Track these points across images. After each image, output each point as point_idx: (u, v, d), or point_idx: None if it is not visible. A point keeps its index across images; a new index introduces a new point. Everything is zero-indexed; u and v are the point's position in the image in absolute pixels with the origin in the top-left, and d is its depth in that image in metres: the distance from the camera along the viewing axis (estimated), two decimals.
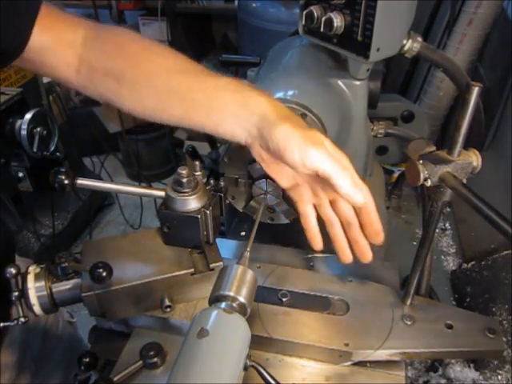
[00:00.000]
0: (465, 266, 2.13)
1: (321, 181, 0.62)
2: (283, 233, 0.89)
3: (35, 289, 0.64)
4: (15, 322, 0.63)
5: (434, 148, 0.65)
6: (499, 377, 1.67)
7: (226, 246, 0.92)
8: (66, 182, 0.69)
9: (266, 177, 0.74)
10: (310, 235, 0.69)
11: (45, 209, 2.23)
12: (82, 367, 0.69)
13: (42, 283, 0.64)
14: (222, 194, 0.72)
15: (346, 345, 0.69)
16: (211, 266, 0.70)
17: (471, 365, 1.75)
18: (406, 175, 0.64)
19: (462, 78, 0.75)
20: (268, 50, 1.04)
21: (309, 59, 0.88)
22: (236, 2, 2.99)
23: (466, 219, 2.36)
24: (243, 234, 1.01)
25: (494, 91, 2.16)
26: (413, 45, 0.75)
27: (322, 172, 0.56)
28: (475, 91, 0.57)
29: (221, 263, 0.70)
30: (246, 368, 0.53)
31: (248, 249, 0.61)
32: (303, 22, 0.78)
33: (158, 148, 2.99)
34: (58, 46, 0.66)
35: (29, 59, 0.65)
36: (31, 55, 0.65)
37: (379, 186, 1.15)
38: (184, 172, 0.67)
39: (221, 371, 0.48)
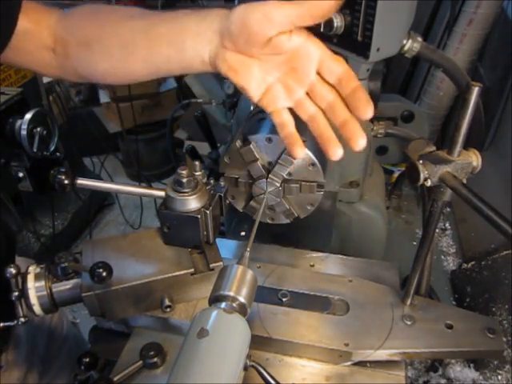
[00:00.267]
0: (465, 265, 2.13)
1: (292, 69, 0.59)
2: (283, 233, 0.89)
3: (35, 289, 0.64)
4: (15, 321, 0.63)
5: (434, 148, 0.65)
6: (499, 377, 1.67)
7: (226, 246, 0.92)
8: (66, 182, 0.69)
9: (266, 177, 0.74)
10: (291, 142, 0.63)
11: (45, 209, 2.23)
12: (82, 367, 0.69)
13: (42, 283, 0.64)
14: (221, 194, 0.72)
15: (346, 345, 0.69)
16: (211, 266, 0.70)
17: (471, 365, 1.75)
18: (406, 175, 0.64)
19: (462, 78, 0.75)
20: None
21: None
22: (236, 2, 2.98)
23: (466, 219, 2.36)
24: (243, 233, 1.01)
25: (493, 91, 2.16)
26: (413, 45, 0.75)
27: (289, 16, 0.53)
28: (475, 91, 0.57)
29: (221, 263, 0.70)
30: (246, 368, 0.53)
31: (248, 249, 0.61)
32: None
33: (157, 148, 2.99)
34: (37, 30, 0.68)
35: (10, 47, 0.67)
36: (14, 42, 0.67)
37: (379, 185, 1.15)
38: (184, 172, 0.67)
39: (221, 371, 0.48)
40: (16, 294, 0.63)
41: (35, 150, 0.74)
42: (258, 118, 0.77)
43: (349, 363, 0.70)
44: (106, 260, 0.61)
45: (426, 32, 2.56)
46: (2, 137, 0.74)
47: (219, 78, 2.01)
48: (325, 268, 0.87)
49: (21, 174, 0.78)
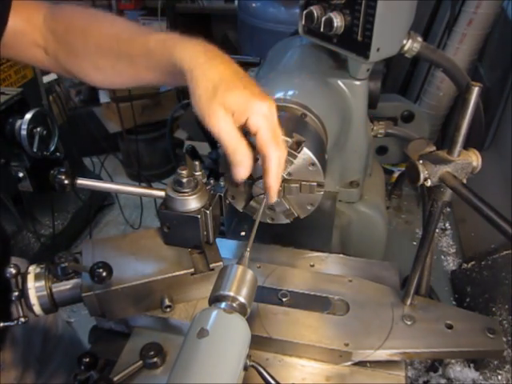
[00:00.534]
0: (465, 265, 2.13)
1: None
2: (283, 233, 0.89)
3: (35, 289, 0.64)
4: (15, 321, 0.63)
5: (434, 148, 0.65)
6: (499, 377, 1.67)
7: (226, 246, 0.92)
8: (66, 182, 0.69)
9: None
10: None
11: (45, 209, 2.23)
12: (82, 367, 0.69)
13: (42, 283, 0.64)
14: (221, 194, 0.72)
15: (346, 345, 0.69)
16: (211, 266, 0.70)
17: (471, 365, 1.75)
18: (406, 175, 0.64)
19: (462, 78, 0.75)
20: (268, 50, 1.04)
21: (309, 59, 0.88)
22: (236, 2, 2.99)
23: (466, 219, 2.36)
24: (243, 234, 1.01)
25: (493, 91, 2.16)
26: (413, 45, 0.75)
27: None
28: (475, 91, 0.57)
29: (221, 263, 0.70)
30: (246, 368, 0.53)
31: (248, 249, 0.61)
32: (303, 22, 0.78)
33: (157, 148, 2.99)
34: (27, 28, 0.68)
35: (2, 44, 0.68)
36: (5, 40, 0.67)
37: (379, 185, 1.15)
38: (184, 172, 0.67)
39: (221, 371, 0.48)
40: (16, 294, 0.63)
41: (35, 150, 0.74)
42: None
43: (349, 363, 0.70)
44: (106, 260, 0.61)
45: (426, 32, 2.56)
46: (2, 137, 0.74)
47: None
48: (325, 268, 0.87)
49: (21, 174, 0.78)
